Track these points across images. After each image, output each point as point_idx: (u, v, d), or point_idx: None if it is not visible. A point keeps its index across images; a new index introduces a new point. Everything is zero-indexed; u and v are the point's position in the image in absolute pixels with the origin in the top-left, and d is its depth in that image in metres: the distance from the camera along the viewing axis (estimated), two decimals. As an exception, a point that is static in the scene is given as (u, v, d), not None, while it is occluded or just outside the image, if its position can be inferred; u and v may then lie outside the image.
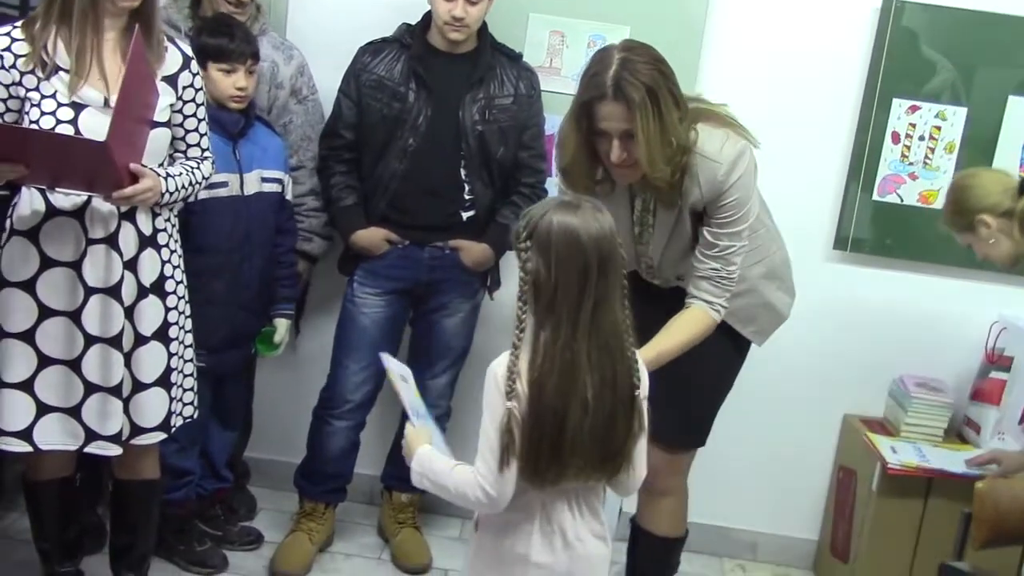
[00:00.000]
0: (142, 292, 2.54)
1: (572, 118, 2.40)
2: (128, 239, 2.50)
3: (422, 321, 3.32)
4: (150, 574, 2.88)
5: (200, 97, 2.62)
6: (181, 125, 2.60)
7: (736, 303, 2.59)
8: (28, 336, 2.48)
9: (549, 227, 1.89)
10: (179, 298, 2.65)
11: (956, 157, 3.35)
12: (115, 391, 2.52)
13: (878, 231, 3.43)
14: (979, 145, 3.33)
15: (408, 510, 3.46)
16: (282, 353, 3.29)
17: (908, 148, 3.36)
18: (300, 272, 3.31)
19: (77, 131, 2.40)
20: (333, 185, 3.19)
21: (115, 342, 2.50)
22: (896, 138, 3.36)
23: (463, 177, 3.14)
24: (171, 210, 2.63)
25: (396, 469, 3.46)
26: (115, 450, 2.56)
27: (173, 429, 2.68)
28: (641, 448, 2.02)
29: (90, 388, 2.51)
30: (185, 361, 2.70)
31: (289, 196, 3.19)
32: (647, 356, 2.24)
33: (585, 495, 2.03)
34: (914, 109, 3.34)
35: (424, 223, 3.16)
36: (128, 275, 2.50)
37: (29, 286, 2.47)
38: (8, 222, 2.52)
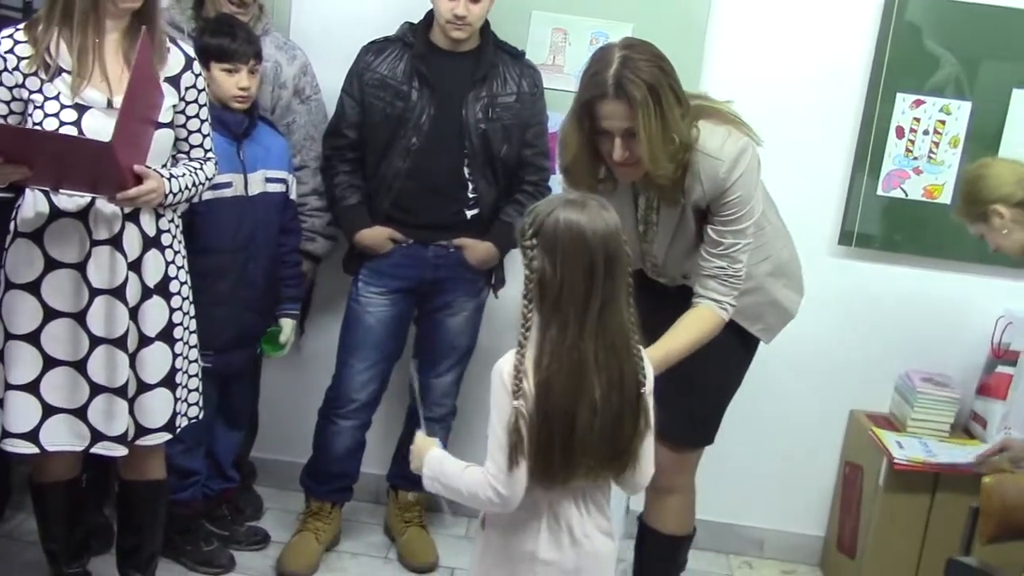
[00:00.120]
0: (146, 293, 2.54)
1: (573, 117, 2.40)
2: (132, 240, 2.51)
3: (427, 320, 3.32)
4: (157, 574, 2.88)
5: (203, 98, 2.62)
6: (184, 126, 2.60)
7: (743, 301, 2.59)
8: (33, 338, 2.49)
9: (555, 225, 1.89)
10: (183, 299, 2.65)
11: (961, 151, 3.34)
12: (120, 392, 2.52)
13: (883, 226, 3.43)
14: (984, 139, 3.32)
15: (414, 509, 3.46)
16: (287, 353, 3.29)
17: (912, 143, 3.36)
18: (305, 272, 3.31)
19: (80, 132, 2.40)
20: (337, 184, 3.19)
21: (120, 343, 2.50)
22: (900, 133, 3.35)
23: (467, 175, 3.14)
24: (175, 211, 2.63)
25: (402, 468, 3.45)
26: (121, 451, 2.57)
27: (178, 429, 2.68)
28: (648, 445, 2.02)
29: (95, 389, 2.51)
30: (190, 362, 2.70)
31: (293, 196, 3.19)
32: (655, 356, 2.23)
33: (591, 492, 2.03)
34: (918, 103, 3.33)
35: (428, 222, 3.16)
36: (132, 276, 2.51)
37: (34, 288, 2.47)
38: (12, 224, 2.52)
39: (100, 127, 2.39)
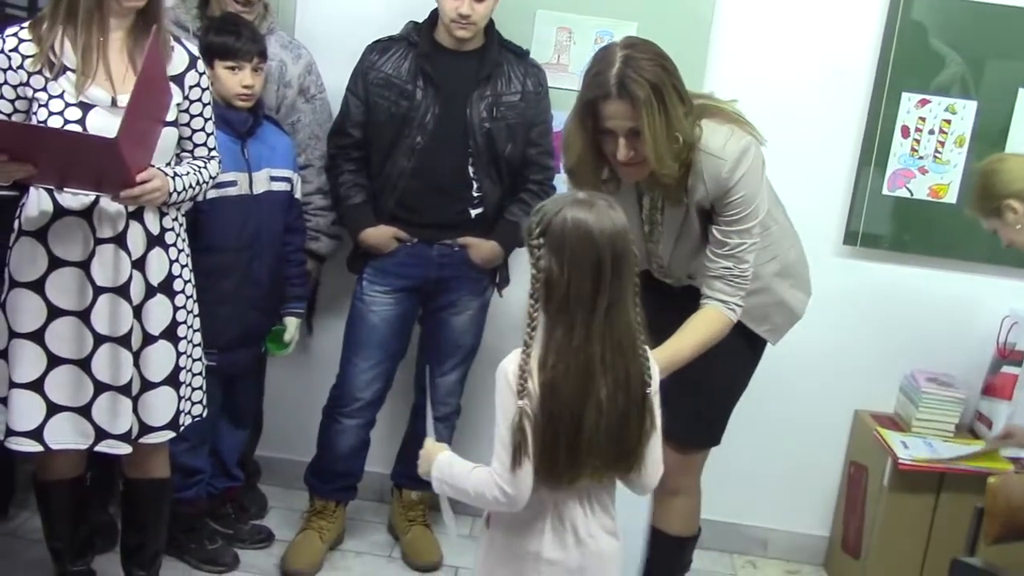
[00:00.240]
0: (150, 291, 2.54)
1: (577, 118, 2.39)
2: (136, 238, 2.51)
3: (431, 319, 3.32)
4: (161, 573, 2.88)
5: (207, 96, 2.62)
6: (188, 125, 2.60)
7: (749, 301, 2.58)
8: (38, 336, 2.49)
9: (563, 224, 1.88)
10: (187, 297, 2.65)
11: (966, 151, 3.34)
12: (124, 390, 2.52)
13: (888, 226, 3.42)
14: (990, 138, 3.31)
15: (418, 508, 3.46)
16: (292, 352, 3.30)
17: (918, 142, 3.35)
18: (309, 271, 3.31)
19: (85, 131, 2.40)
20: (342, 184, 3.19)
21: (124, 341, 2.50)
22: (906, 132, 3.34)
23: (471, 174, 3.14)
24: (179, 209, 2.63)
25: (406, 467, 3.45)
26: (125, 449, 2.57)
27: (182, 428, 2.68)
28: (655, 446, 2.01)
29: (100, 387, 2.51)
30: (194, 360, 2.70)
31: (298, 195, 3.19)
32: (662, 357, 2.23)
33: (596, 492, 2.02)
34: (924, 103, 3.32)
35: (433, 221, 3.16)
36: (136, 274, 2.51)
37: (38, 286, 2.48)
38: (16, 223, 2.52)
39: (104, 125, 2.38)
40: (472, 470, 2.00)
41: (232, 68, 2.94)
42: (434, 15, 3.10)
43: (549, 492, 1.97)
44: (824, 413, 3.54)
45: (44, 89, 2.42)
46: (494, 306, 3.36)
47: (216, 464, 3.28)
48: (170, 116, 2.53)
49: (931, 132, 3.34)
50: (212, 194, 2.87)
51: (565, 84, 3.30)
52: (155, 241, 2.54)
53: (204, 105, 2.61)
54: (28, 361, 2.50)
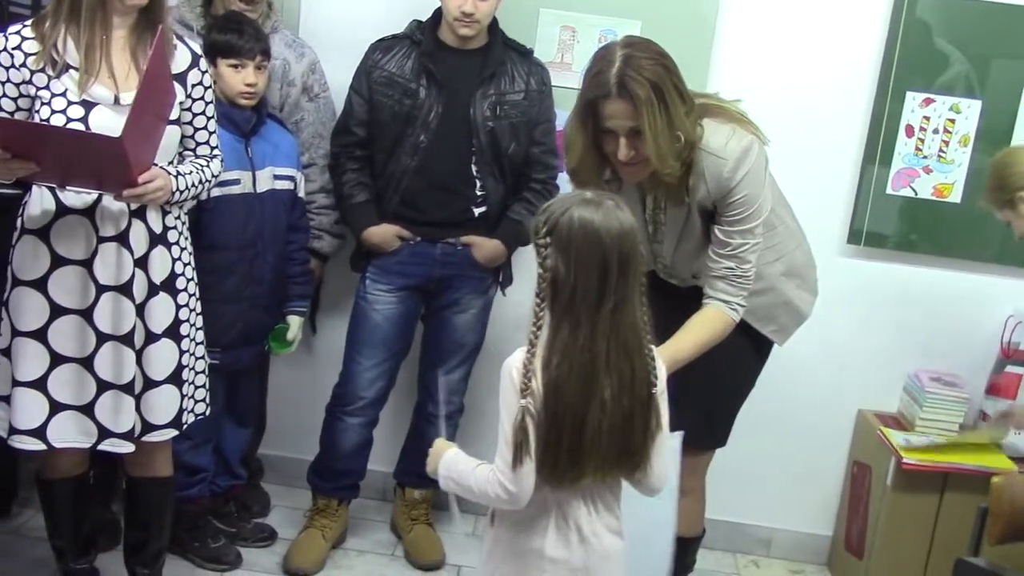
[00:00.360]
0: (153, 290, 2.54)
1: (577, 118, 2.39)
2: (138, 237, 2.51)
3: (434, 317, 3.32)
4: (164, 571, 2.89)
5: (209, 95, 2.62)
6: (190, 123, 2.60)
7: (754, 301, 2.57)
8: (40, 335, 2.49)
9: (570, 224, 1.88)
10: (190, 295, 2.65)
11: (971, 150, 3.33)
12: (127, 388, 2.52)
13: (892, 225, 3.42)
14: (994, 138, 3.31)
15: (421, 507, 3.46)
16: (295, 350, 3.30)
17: (922, 141, 3.35)
18: (312, 270, 3.31)
19: (87, 128, 2.40)
20: (345, 182, 3.19)
21: (127, 340, 2.50)
22: (910, 131, 3.34)
23: (474, 173, 3.13)
24: (181, 208, 2.63)
25: (409, 466, 3.46)
26: (128, 447, 2.57)
27: (185, 426, 2.68)
28: (661, 447, 2.01)
29: (102, 386, 2.52)
30: (196, 358, 2.70)
31: (301, 193, 3.19)
32: (663, 357, 2.22)
33: (600, 491, 2.02)
34: (928, 102, 3.32)
35: (436, 219, 3.16)
36: (139, 273, 2.51)
37: (41, 285, 2.48)
38: (19, 221, 2.52)
39: (107, 123, 2.39)
40: (476, 467, 2.00)
41: (235, 66, 2.94)
42: (438, 13, 3.10)
43: (552, 491, 1.97)
44: (828, 413, 3.54)
45: (47, 87, 2.42)
46: (497, 305, 3.36)
47: (219, 462, 3.28)
48: (173, 115, 2.53)
49: (935, 131, 3.33)
50: (216, 192, 2.88)
51: (569, 83, 3.29)
52: (157, 240, 2.54)
53: (206, 104, 2.61)
54: (31, 359, 2.50)
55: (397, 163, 3.12)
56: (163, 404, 2.60)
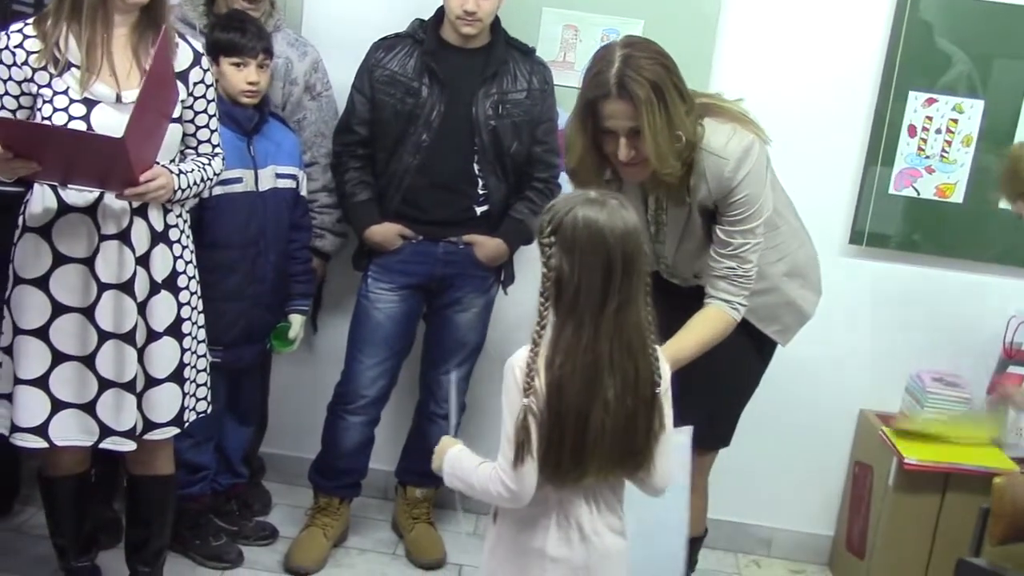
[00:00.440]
0: (154, 288, 2.54)
1: (577, 118, 2.39)
2: (140, 235, 2.51)
3: (436, 316, 3.31)
4: (166, 569, 2.89)
5: (211, 93, 2.62)
6: (192, 121, 2.60)
7: (757, 301, 2.57)
8: (42, 333, 2.49)
9: (574, 223, 1.88)
10: (191, 293, 2.65)
11: (973, 150, 3.33)
12: (129, 387, 2.52)
13: (895, 225, 3.41)
14: (997, 138, 3.30)
15: (422, 505, 3.46)
16: (297, 349, 3.30)
17: (925, 141, 3.34)
18: (314, 269, 3.31)
19: (89, 127, 2.41)
20: (347, 181, 3.19)
21: (128, 338, 2.51)
22: (913, 131, 3.34)
23: (476, 172, 3.13)
24: (183, 206, 2.63)
25: (411, 464, 3.46)
26: (129, 446, 2.57)
27: (186, 424, 2.68)
28: (665, 447, 2.00)
29: (104, 384, 2.52)
30: (198, 356, 2.71)
31: (304, 192, 3.19)
32: (665, 355, 2.22)
33: (602, 491, 2.02)
34: (931, 102, 3.31)
35: (438, 218, 3.16)
36: (140, 271, 2.51)
37: (42, 283, 2.48)
38: (20, 219, 2.52)
39: (109, 122, 2.39)
40: (479, 465, 2.01)
41: (237, 65, 2.94)
42: (440, 12, 3.10)
43: (554, 489, 1.97)
44: (829, 412, 3.54)
45: (49, 85, 2.42)
46: (499, 304, 3.36)
47: (221, 461, 3.29)
48: (175, 113, 2.53)
49: (938, 131, 3.33)
50: (218, 191, 2.88)
51: (571, 82, 3.28)
52: (159, 238, 2.54)
53: (208, 102, 2.61)
54: (33, 357, 2.50)
55: (399, 162, 3.12)
56: (165, 402, 2.60)
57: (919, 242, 3.42)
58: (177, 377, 2.61)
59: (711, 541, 3.22)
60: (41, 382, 2.51)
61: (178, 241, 2.60)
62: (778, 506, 3.64)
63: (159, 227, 2.54)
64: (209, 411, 2.80)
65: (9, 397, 2.54)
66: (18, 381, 2.51)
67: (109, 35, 2.43)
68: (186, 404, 2.66)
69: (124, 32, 2.46)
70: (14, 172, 2.34)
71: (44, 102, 2.42)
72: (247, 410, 3.32)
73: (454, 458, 2.06)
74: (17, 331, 2.51)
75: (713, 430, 2.76)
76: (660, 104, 2.27)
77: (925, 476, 3.17)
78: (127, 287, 2.49)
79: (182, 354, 2.61)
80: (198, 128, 2.62)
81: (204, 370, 2.75)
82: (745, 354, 2.71)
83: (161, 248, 2.55)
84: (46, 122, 2.40)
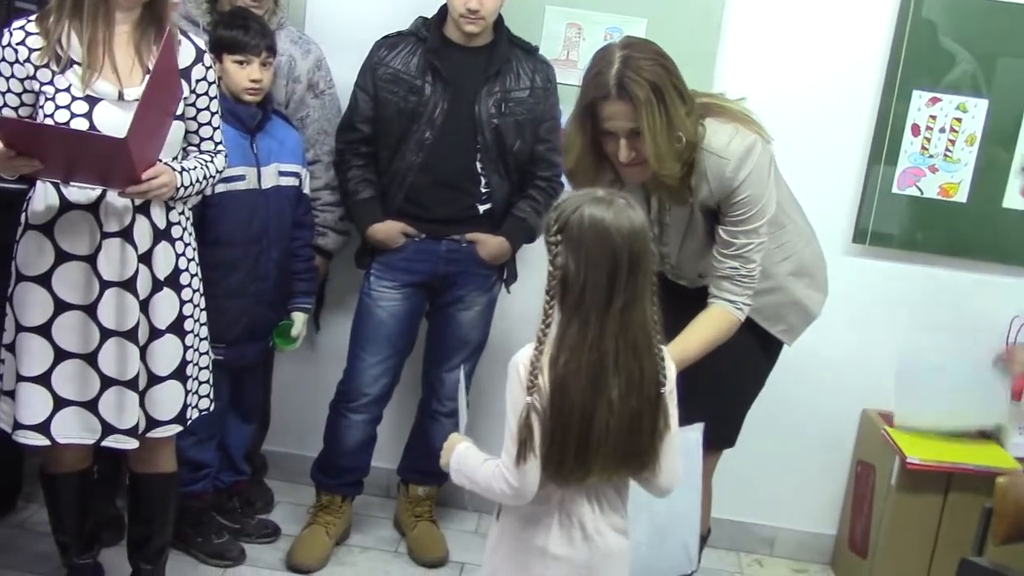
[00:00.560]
0: (157, 285, 2.54)
1: (576, 120, 2.38)
2: (143, 232, 2.51)
3: (439, 314, 3.31)
4: (168, 566, 2.89)
5: (213, 91, 2.61)
6: (194, 119, 2.59)
7: (762, 301, 2.56)
8: (44, 330, 2.49)
9: (580, 222, 1.88)
10: (194, 291, 2.65)
11: (977, 149, 3.32)
12: (131, 384, 2.52)
13: (898, 224, 3.41)
14: (1001, 137, 3.30)
15: (425, 504, 3.46)
16: (299, 347, 3.30)
17: (928, 140, 3.34)
18: (317, 267, 3.31)
19: (92, 124, 2.41)
20: (350, 179, 3.19)
21: (131, 335, 2.50)
22: (916, 130, 3.33)
23: (479, 170, 3.13)
24: (185, 203, 2.63)
25: (413, 462, 3.46)
26: (132, 443, 2.57)
27: (189, 422, 2.68)
28: (670, 447, 2.00)
29: (106, 381, 2.52)
30: (200, 354, 2.71)
31: (307, 190, 3.19)
32: (669, 355, 2.22)
33: (605, 490, 2.02)
34: (934, 101, 3.31)
35: (440, 216, 3.16)
36: (143, 268, 2.51)
37: (45, 280, 2.48)
38: (23, 217, 2.52)
39: (111, 119, 2.39)
40: (484, 461, 2.01)
41: (241, 62, 2.94)
42: (443, 10, 3.10)
43: (557, 488, 1.97)
44: (832, 412, 3.53)
45: (51, 83, 2.42)
46: (501, 302, 3.36)
47: (223, 458, 3.29)
48: (177, 110, 2.53)
49: (942, 130, 3.32)
50: (220, 188, 2.88)
51: (574, 80, 3.26)
52: (161, 235, 2.54)
53: (211, 99, 2.61)
54: (35, 355, 2.50)
55: (402, 160, 3.12)
56: (167, 400, 2.60)
57: (922, 241, 3.42)
58: (179, 375, 2.61)
59: (713, 540, 3.22)
60: (43, 379, 2.51)
61: (180, 239, 2.60)
62: (780, 505, 3.64)
63: (161, 224, 2.54)
64: (212, 409, 2.80)
65: (12, 394, 2.55)
66: (20, 378, 2.51)
67: (111, 32, 2.43)
68: (188, 402, 2.66)
69: (126, 29, 2.46)
70: (16, 170, 2.34)
71: (46, 99, 2.42)
72: (249, 408, 3.32)
73: (461, 455, 2.07)
74: (19, 328, 2.51)
75: (718, 431, 2.75)
76: (660, 105, 2.26)
77: (928, 475, 3.16)
78: (129, 284, 2.49)
79: (184, 352, 2.61)
80: (200, 125, 2.61)
81: (206, 368, 2.75)
82: (751, 354, 2.71)
83: (163, 246, 2.55)
84: (48, 121, 2.40)
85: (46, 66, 2.41)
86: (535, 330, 1.92)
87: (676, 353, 2.32)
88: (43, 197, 2.47)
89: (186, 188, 2.52)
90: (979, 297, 3.41)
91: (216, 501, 3.29)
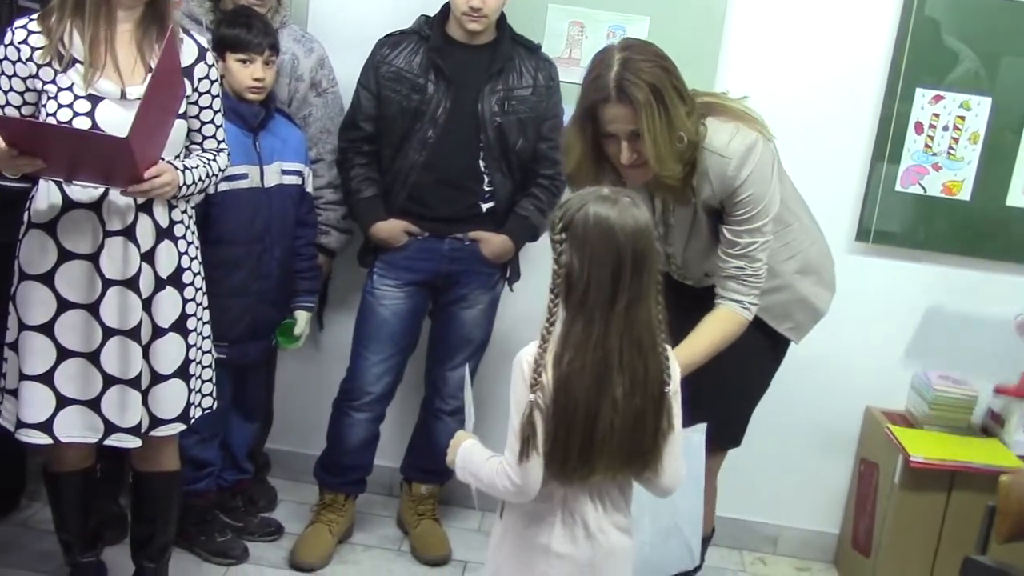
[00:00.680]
0: (159, 284, 2.54)
1: (576, 123, 2.38)
2: (145, 231, 2.51)
3: (442, 313, 3.31)
4: (171, 564, 2.89)
5: (215, 89, 2.61)
6: (197, 117, 2.59)
7: (769, 299, 2.56)
8: (47, 329, 2.49)
9: (585, 220, 1.88)
10: (196, 290, 2.65)
11: (980, 147, 3.32)
12: (134, 383, 2.52)
13: (901, 222, 3.40)
14: (1004, 135, 3.30)
15: (428, 502, 3.46)
16: (302, 346, 3.30)
17: (932, 138, 3.33)
18: (320, 265, 3.31)
19: (94, 123, 2.41)
20: (353, 177, 3.19)
21: (133, 334, 2.50)
22: (919, 128, 3.33)
23: (482, 168, 3.13)
24: (188, 202, 2.63)
25: (416, 461, 3.46)
26: (134, 442, 2.57)
27: (192, 420, 2.68)
28: (674, 447, 2.00)
29: (109, 380, 2.52)
30: (203, 352, 2.71)
31: (309, 189, 3.19)
32: (678, 359, 2.22)
33: (608, 489, 2.02)
34: (938, 99, 3.30)
35: (443, 215, 3.16)
36: (145, 267, 2.51)
37: (47, 279, 2.48)
38: (26, 215, 2.52)
39: (114, 118, 2.39)
40: (488, 458, 2.02)
41: (243, 61, 2.94)
42: (446, 9, 3.10)
43: (560, 486, 1.97)
44: (835, 410, 3.53)
45: (53, 81, 2.42)
46: (504, 300, 3.36)
47: (226, 457, 3.29)
48: (180, 109, 2.53)
49: (945, 128, 3.32)
50: (223, 187, 2.88)
51: (577, 79, 3.22)
52: (164, 234, 2.54)
53: (213, 97, 2.61)
54: (38, 353, 2.50)
55: (405, 158, 3.12)
56: (170, 399, 2.60)
57: (925, 239, 3.41)
58: (183, 373, 2.61)
59: (717, 539, 3.21)
60: (46, 378, 2.51)
61: (183, 237, 2.60)
62: (784, 504, 3.64)
63: (164, 223, 2.54)
64: (215, 407, 2.80)
65: (15, 393, 2.55)
66: (23, 377, 2.51)
67: (113, 31, 2.43)
68: (191, 400, 2.66)
69: (128, 28, 2.46)
70: (19, 169, 2.34)
71: (49, 98, 2.42)
72: (252, 406, 3.32)
73: (466, 451, 2.08)
74: (22, 327, 2.51)
75: (724, 431, 2.74)
76: (660, 107, 2.26)
77: (931, 474, 3.16)
78: (132, 283, 2.49)
79: (187, 350, 2.62)
80: (203, 124, 2.61)
81: (209, 366, 2.75)
82: (757, 353, 2.70)
83: (166, 244, 2.55)
84: (51, 120, 2.40)
85: (48, 65, 2.41)
86: (539, 328, 1.92)
87: (684, 357, 2.31)
88: (46, 196, 2.47)
89: (188, 187, 2.52)
90: (983, 295, 3.41)
91: (219, 499, 3.29)
